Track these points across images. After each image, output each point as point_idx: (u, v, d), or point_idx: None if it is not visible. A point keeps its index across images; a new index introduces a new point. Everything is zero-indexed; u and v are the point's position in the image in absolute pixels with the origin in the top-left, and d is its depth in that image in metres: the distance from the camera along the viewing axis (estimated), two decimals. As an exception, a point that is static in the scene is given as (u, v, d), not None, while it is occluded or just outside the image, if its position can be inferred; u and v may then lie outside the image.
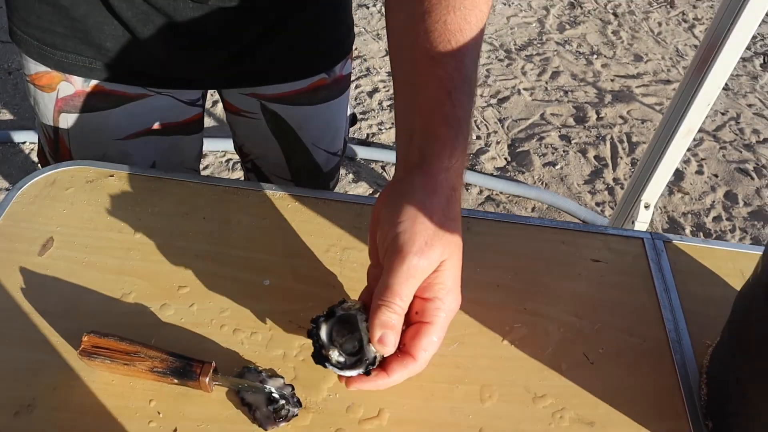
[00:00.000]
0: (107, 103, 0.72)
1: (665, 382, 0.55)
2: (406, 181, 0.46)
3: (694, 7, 3.04)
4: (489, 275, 0.61)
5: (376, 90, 2.28)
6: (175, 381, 0.48)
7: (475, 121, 2.18)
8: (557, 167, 2.03)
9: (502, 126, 2.18)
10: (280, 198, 0.65)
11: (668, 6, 3.00)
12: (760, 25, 2.85)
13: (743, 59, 2.69)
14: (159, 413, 0.48)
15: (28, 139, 1.88)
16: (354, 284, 0.58)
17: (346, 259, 0.60)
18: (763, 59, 2.71)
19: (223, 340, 0.53)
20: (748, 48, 2.68)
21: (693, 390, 0.55)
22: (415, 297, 0.45)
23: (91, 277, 0.56)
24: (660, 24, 2.84)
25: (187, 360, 0.48)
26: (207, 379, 0.48)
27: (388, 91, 2.26)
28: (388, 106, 2.20)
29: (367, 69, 2.36)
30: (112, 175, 0.65)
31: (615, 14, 2.88)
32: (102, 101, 0.72)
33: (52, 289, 0.55)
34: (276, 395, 0.48)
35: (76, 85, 0.70)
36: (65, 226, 0.60)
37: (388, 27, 0.55)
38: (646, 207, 1.20)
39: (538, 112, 2.25)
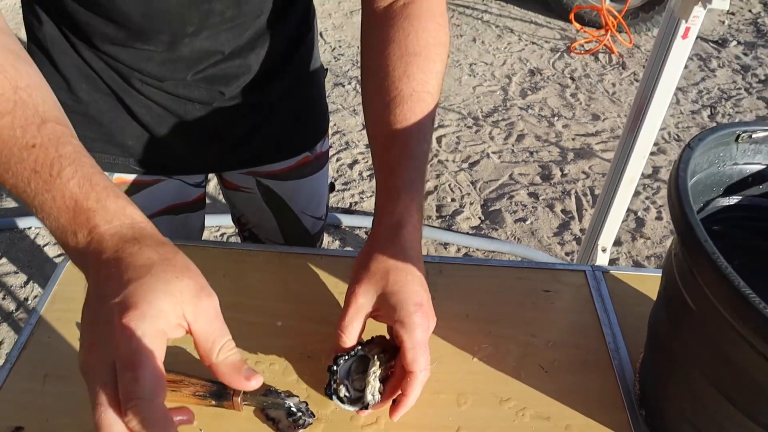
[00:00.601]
0: (128, 190, 0.86)
1: (607, 383, 0.68)
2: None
3: (644, 66, 3.29)
4: (459, 308, 0.75)
5: (355, 162, 2.45)
6: (213, 403, 0.60)
7: (449, 185, 2.35)
8: (528, 222, 2.19)
9: (475, 188, 2.35)
10: (284, 256, 0.79)
11: (620, 68, 3.26)
12: (705, 80, 3.11)
13: (692, 111, 2.92)
14: (201, 430, 0.60)
15: (33, 225, 2.00)
16: (350, 320, 0.71)
17: (342, 301, 0.74)
18: (710, 111, 2.94)
19: (247, 370, 0.65)
20: (695, 101, 2.93)
21: (629, 388, 0.68)
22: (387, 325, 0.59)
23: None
24: (614, 84, 3.09)
25: (221, 385, 0.61)
26: (239, 399, 0.60)
27: (367, 162, 2.44)
28: (368, 176, 2.37)
29: (346, 143, 2.54)
30: (143, 246, 0.79)
31: (572, 78, 3.13)
32: (123, 189, 0.86)
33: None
34: (294, 409, 0.60)
35: None
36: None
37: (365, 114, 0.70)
38: (603, 250, 1.35)
39: (506, 173, 2.43)
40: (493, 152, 2.54)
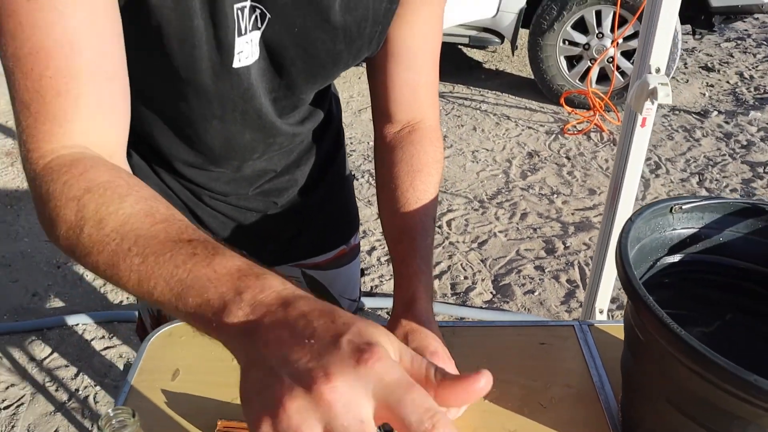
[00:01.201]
0: None
1: (595, 414, 0.83)
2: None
3: (634, 144, 3.54)
4: (471, 361, 0.91)
5: (373, 248, 2.65)
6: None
7: (461, 264, 2.53)
8: (536, 294, 2.35)
9: (485, 265, 2.53)
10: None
11: (611, 144, 3.49)
12: (691, 150, 3.32)
13: (682, 180, 3.13)
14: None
15: (79, 321, 2.19)
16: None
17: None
18: (699, 178, 3.14)
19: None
20: (684, 170, 3.14)
21: (614, 417, 0.83)
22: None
23: (210, 389, 0.86)
24: (606, 160, 3.31)
25: None
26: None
27: (383, 248, 2.63)
28: (385, 260, 2.55)
29: (364, 231, 2.75)
30: (209, 326, 0.97)
31: (567, 157, 3.36)
32: None
33: (183, 399, 0.84)
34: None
35: None
36: (185, 360, 0.91)
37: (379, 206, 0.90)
38: (600, 312, 1.50)
39: (513, 249, 2.61)
40: (500, 231, 2.73)
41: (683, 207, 0.81)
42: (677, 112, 3.94)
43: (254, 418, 0.38)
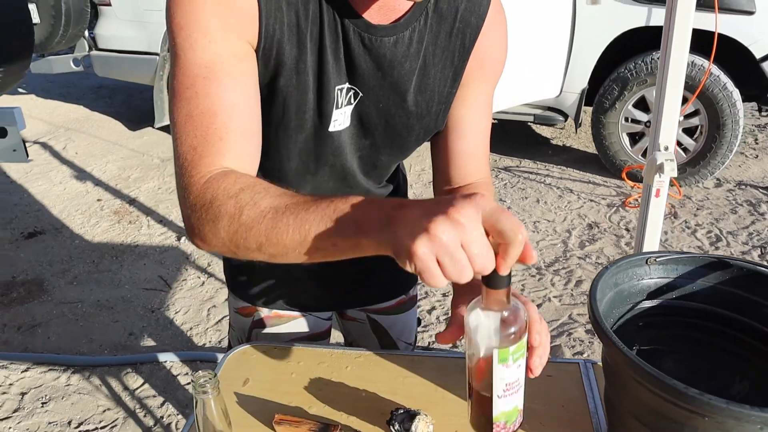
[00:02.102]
0: (279, 321, 1.25)
1: (586, 432, 1.00)
2: None
3: (695, 215, 3.60)
4: (485, 385, 1.09)
5: (433, 308, 2.84)
6: (321, 435, 0.97)
7: (515, 325, 2.67)
8: (584, 355, 2.45)
9: (537, 327, 2.66)
10: (387, 357, 1.18)
11: (672, 217, 3.57)
12: (755, 223, 3.35)
13: (743, 252, 3.16)
14: (314, 451, 0.96)
15: (168, 359, 2.48)
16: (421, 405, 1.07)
17: (413, 386, 1.10)
18: (761, 251, 3.17)
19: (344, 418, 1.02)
20: (746, 243, 3.18)
21: (602, 435, 0.99)
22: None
23: (271, 395, 1.08)
24: (666, 232, 3.39)
25: (327, 424, 0.98)
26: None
27: (443, 308, 2.81)
28: (443, 320, 2.73)
29: (426, 292, 2.94)
30: (275, 348, 1.20)
31: (627, 229, 3.46)
32: (276, 320, 1.25)
33: (250, 400, 1.07)
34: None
35: (263, 314, 1.27)
36: (254, 372, 1.13)
37: None
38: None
39: (566, 313, 2.73)
40: (554, 296, 2.86)
41: (657, 260, 0.98)
42: (743, 187, 3.97)
43: (410, 249, 0.59)
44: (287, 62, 0.85)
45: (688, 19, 1.38)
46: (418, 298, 2.85)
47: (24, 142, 3.07)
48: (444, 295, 2.93)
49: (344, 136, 0.96)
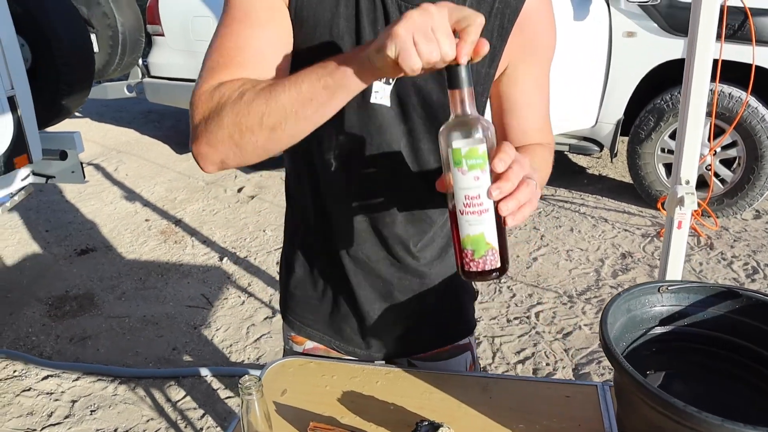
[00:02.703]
0: (328, 354, 1.27)
1: (600, 450, 1.06)
2: None
3: (732, 246, 3.59)
4: (505, 405, 1.16)
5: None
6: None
7: (545, 352, 2.71)
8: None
9: (567, 354, 2.69)
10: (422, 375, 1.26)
11: (708, 248, 3.56)
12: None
13: (780, 290, 3.14)
14: (345, 457, 1.05)
15: (209, 374, 2.59)
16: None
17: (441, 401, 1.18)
18: (798, 289, 3.14)
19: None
20: (782, 281, 3.14)
21: (615, 453, 1.05)
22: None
23: (307, 405, 1.17)
24: (701, 263, 3.39)
25: None
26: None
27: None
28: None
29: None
30: (311, 362, 1.29)
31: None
32: (325, 353, 1.28)
33: (288, 409, 1.16)
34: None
35: (309, 345, 1.29)
36: (291, 384, 1.23)
37: None
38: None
39: (596, 342, 2.76)
40: (585, 324, 2.89)
41: (670, 288, 1.05)
42: (784, 220, 3.95)
43: (391, 31, 0.70)
44: (320, 25, 0.94)
45: (707, 55, 1.45)
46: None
47: (81, 164, 3.27)
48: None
49: (387, 117, 0.99)
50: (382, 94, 0.98)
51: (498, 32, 0.98)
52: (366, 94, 0.95)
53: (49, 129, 3.26)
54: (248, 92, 0.84)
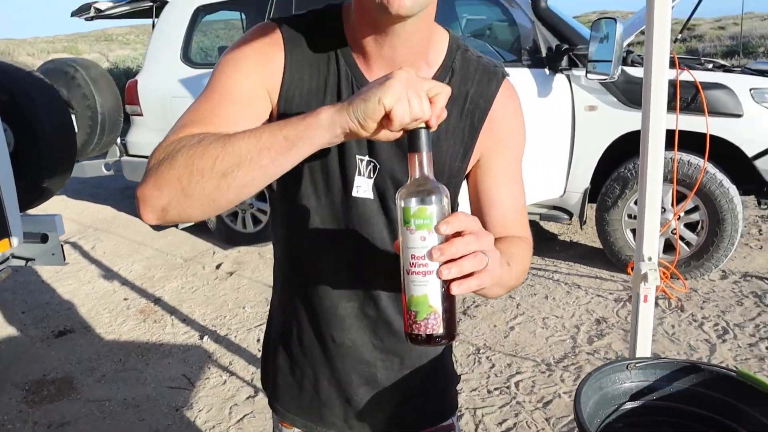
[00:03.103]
0: None
1: None
2: None
3: (701, 308, 3.70)
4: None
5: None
6: None
7: (526, 422, 2.74)
8: (596, 452, 2.52)
9: (548, 423, 2.73)
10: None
11: (679, 310, 3.67)
12: (761, 315, 3.46)
13: (750, 345, 3.24)
14: None
15: None
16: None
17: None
18: None
19: None
20: (753, 335, 3.27)
21: None
22: None
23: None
24: (673, 326, 3.49)
25: None
26: None
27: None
28: None
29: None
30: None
31: (635, 325, 3.56)
32: None
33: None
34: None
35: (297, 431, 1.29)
36: None
37: None
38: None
39: (577, 409, 2.80)
40: (564, 392, 2.94)
41: (637, 365, 1.12)
42: (749, 278, 4.09)
43: (387, 86, 0.78)
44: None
45: (660, 127, 1.58)
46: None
47: (62, 246, 3.30)
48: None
49: (370, 208, 1.05)
50: (364, 188, 1.05)
51: (469, 131, 1.07)
52: (348, 188, 1.03)
53: (30, 211, 3.29)
54: (207, 138, 0.86)
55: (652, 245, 1.52)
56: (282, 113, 1.00)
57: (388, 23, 0.92)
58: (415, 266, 0.77)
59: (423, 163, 0.80)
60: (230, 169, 0.83)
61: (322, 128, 0.82)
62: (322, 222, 1.07)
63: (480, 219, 1.13)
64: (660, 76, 1.59)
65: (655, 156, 1.55)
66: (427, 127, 0.81)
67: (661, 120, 1.60)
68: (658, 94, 1.61)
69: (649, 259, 1.51)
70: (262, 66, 1.00)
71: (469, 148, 1.08)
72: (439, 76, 1.03)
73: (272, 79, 1.00)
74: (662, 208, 4.04)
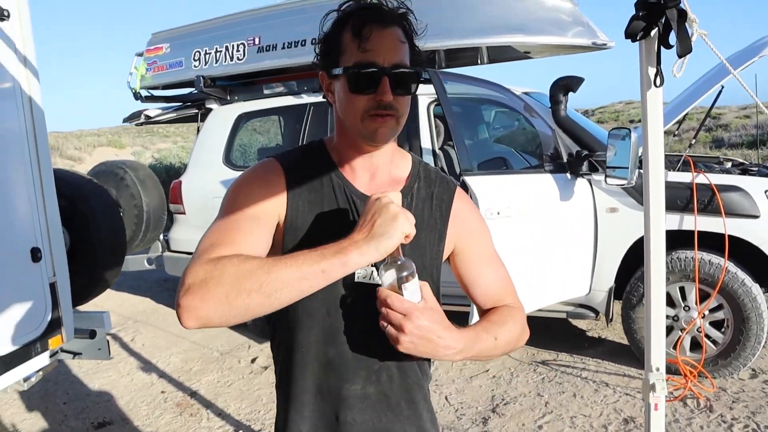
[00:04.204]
0: None
1: None
2: None
3: (731, 408, 3.70)
4: None
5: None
6: None
7: None
8: None
9: None
10: None
11: (708, 410, 3.67)
12: None
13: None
14: None
15: None
16: None
17: None
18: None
19: None
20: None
21: None
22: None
23: None
24: (701, 427, 3.49)
25: None
26: None
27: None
28: None
29: None
30: None
31: (664, 425, 3.57)
32: None
33: None
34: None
35: None
36: None
37: None
38: None
39: None
40: (593, 494, 2.95)
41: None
42: (780, 380, 4.07)
43: (401, 223, 1.10)
44: (312, 234, 1.24)
45: (660, 246, 1.73)
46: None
47: (108, 341, 3.51)
48: None
49: (369, 293, 1.18)
50: (364, 273, 1.26)
51: (440, 219, 1.34)
52: (349, 276, 1.17)
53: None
54: (249, 261, 1.06)
55: (659, 356, 1.64)
56: (290, 222, 1.25)
57: (372, 149, 1.26)
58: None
59: (399, 252, 1.13)
60: (274, 292, 1.04)
61: (357, 264, 1.08)
62: (321, 307, 1.25)
63: (473, 300, 1.41)
64: (657, 192, 1.74)
65: (657, 274, 1.70)
66: None
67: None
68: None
69: (657, 369, 1.63)
70: (267, 189, 1.25)
71: (443, 233, 1.34)
72: (409, 182, 1.33)
73: (277, 198, 1.26)
74: (686, 306, 4.13)
